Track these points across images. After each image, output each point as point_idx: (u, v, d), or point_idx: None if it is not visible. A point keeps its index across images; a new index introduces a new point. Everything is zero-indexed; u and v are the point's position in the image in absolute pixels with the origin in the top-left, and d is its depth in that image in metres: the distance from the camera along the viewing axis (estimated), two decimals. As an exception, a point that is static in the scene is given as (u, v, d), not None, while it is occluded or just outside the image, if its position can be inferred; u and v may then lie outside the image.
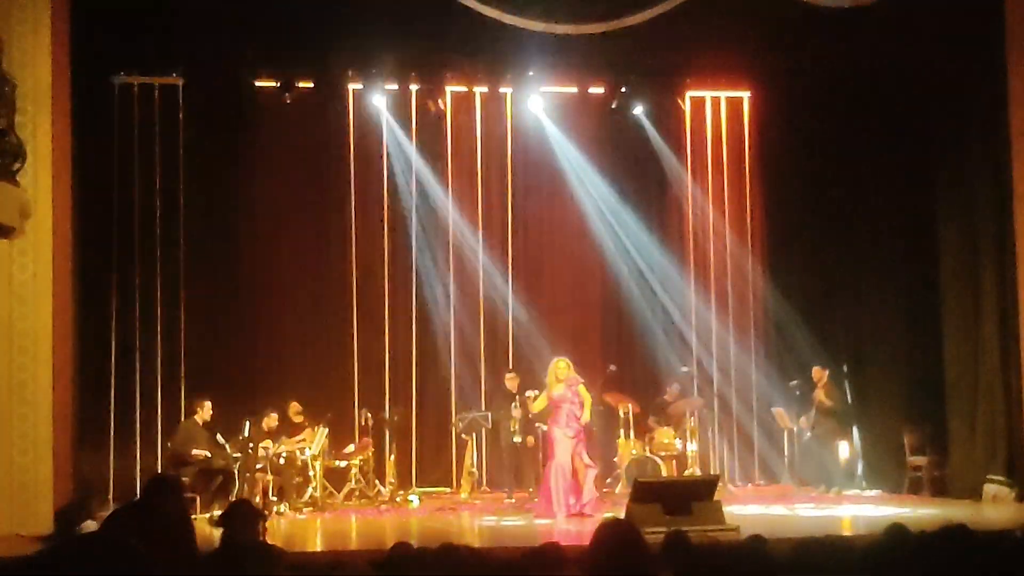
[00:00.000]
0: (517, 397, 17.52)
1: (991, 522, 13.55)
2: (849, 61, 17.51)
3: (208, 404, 16.80)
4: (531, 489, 17.12)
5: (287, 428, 17.24)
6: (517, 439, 17.43)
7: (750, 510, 15.68)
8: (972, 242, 17.14)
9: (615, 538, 4.96)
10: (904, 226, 18.56)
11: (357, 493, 17.25)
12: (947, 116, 17.51)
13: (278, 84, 18.39)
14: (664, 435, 17.88)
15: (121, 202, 17.93)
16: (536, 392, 16.66)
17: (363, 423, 17.97)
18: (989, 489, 16.25)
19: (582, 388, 15.59)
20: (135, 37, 16.66)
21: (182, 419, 17.26)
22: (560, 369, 15.56)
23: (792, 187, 19.44)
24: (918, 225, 18.17)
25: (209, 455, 16.45)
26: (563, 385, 15.45)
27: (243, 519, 6.18)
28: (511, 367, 18.54)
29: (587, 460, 15.42)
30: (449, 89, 19.40)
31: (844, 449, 18.12)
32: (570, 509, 15.02)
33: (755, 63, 18.87)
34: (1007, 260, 16.36)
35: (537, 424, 17.14)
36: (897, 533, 5.42)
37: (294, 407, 17.45)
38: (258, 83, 18.43)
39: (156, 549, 2.85)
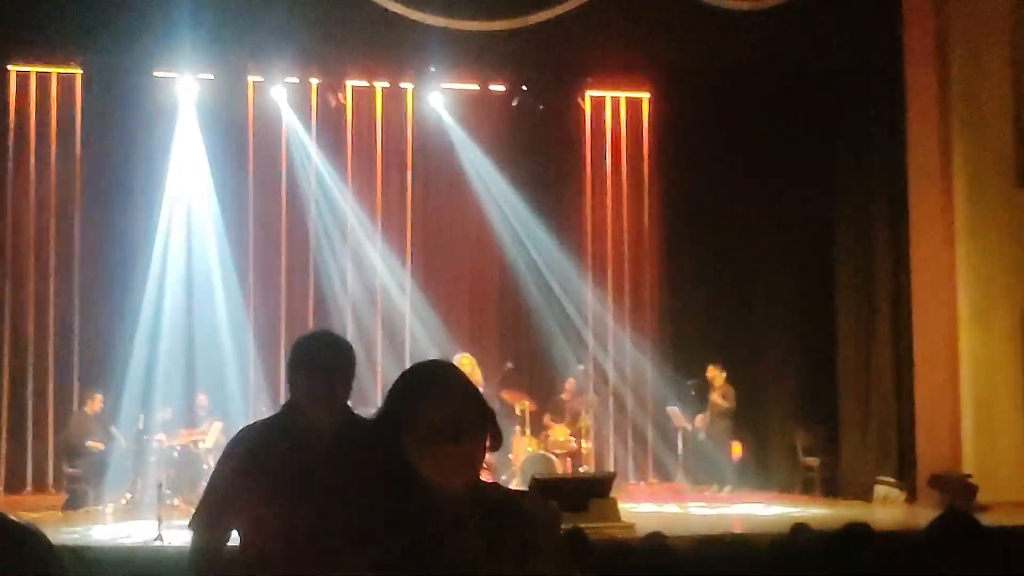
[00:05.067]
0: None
1: (882, 523, 13.74)
2: (750, 64, 17.65)
3: (99, 396, 16.66)
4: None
5: (186, 421, 17.11)
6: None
7: (644, 508, 15.80)
8: (867, 245, 17.39)
9: None
10: (800, 228, 18.76)
11: (251, 487, 17.11)
12: (847, 120, 17.74)
13: (177, 75, 18.22)
14: (560, 432, 17.91)
15: (16, 191, 17.71)
16: None
17: (259, 416, 17.84)
18: (879, 490, 16.49)
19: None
20: (32, 25, 16.44)
21: (74, 411, 17.10)
22: (464, 366, 15.55)
23: (690, 188, 19.57)
24: (814, 227, 18.38)
25: (103, 447, 16.29)
26: None
27: None
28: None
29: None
30: (350, 83, 19.33)
31: (737, 449, 18.29)
32: None
33: (656, 65, 18.98)
34: (901, 264, 16.64)
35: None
36: (801, 532, 5.50)
37: (200, 400, 17.33)
38: (157, 74, 18.25)
39: None
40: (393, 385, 3.21)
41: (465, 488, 3.11)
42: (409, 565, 3.07)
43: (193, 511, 4.77)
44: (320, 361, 4.60)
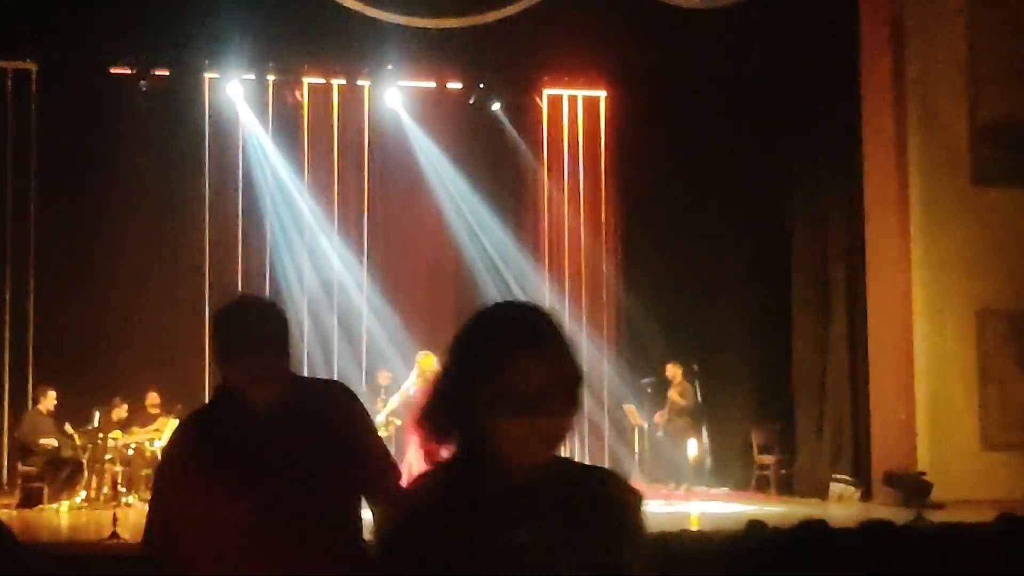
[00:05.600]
0: (383, 393, 17.50)
1: (837, 520, 13.80)
2: (705, 61, 17.71)
3: (52, 393, 16.56)
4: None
5: (140, 418, 17.04)
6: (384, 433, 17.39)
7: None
8: (823, 244, 17.48)
9: None
10: (757, 226, 18.84)
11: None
12: (802, 118, 17.80)
13: (134, 72, 18.13)
14: (516, 430, 17.87)
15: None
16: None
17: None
18: (835, 488, 16.56)
19: None
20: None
21: (28, 409, 17.02)
22: (426, 366, 15.53)
23: (647, 187, 19.59)
24: (771, 225, 18.46)
25: (57, 445, 16.21)
26: (424, 382, 15.45)
27: None
28: (379, 366, 18.46)
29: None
30: (306, 80, 19.27)
31: (693, 447, 18.32)
32: None
33: (612, 63, 19.03)
34: (857, 263, 16.73)
35: (390, 418, 17.05)
36: (756, 529, 5.52)
37: (151, 398, 17.25)
38: (113, 70, 18.15)
39: None
40: (466, 330, 2.80)
41: (543, 464, 2.75)
42: (477, 555, 2.66)
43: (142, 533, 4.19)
44: (250, 336, 4.04)
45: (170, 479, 4.14)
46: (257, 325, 4.07)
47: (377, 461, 4.24)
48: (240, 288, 18.87)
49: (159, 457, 4.63)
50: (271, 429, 4.02)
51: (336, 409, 4.21)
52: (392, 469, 4.28)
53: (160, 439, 16.64)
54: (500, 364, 2.66)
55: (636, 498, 2.96)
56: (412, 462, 15.27)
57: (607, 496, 2.86)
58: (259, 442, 4.01)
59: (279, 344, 4.08)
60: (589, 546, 2.73)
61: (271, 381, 4.03)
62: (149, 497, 4.42)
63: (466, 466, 2.81)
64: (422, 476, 2.88)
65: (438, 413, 2.78)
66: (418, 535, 2.74)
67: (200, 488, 3.94)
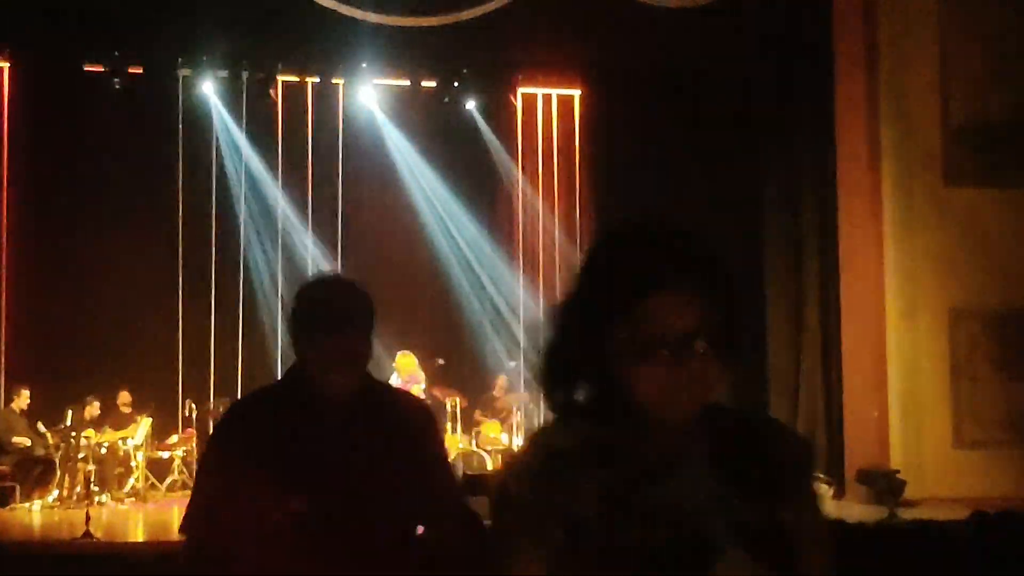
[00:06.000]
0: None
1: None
2: (680, 60, 17.74)
3: (26, 392, 16.55)
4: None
5: (112, 417, 17.01)
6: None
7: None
8: (795, 243, 17.51)
9: None
10: (729, 225, 18.83)
11: (180, 484, 17.05)
12: (775, 118, 17.80)
13: (107, 70, 18.07)
14: (491, 429, 17.93)
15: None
16: None
17: (187, 414, 17.80)
18: (807, 485, 16.57)
19: (416, 388, 15.62)
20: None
21: (1, 407, 16.96)
22: (406, 365, 15.54)
23: (621, 184, 19.58)
24: (743, 224, 18.46)
25: (29, 443, 16.17)
26: (405, 375, 15.47)
27: None
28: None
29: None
30: (281, 79, 19.23)
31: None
32: None
33: (587, 62, 19.04)
34: (829, 261, 16.76)
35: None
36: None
37: (123, 396, 17.22)
38: (87, 68, 18.09)
39: None
40: (593, 250, 2.45)
41: (691, 413, 2.37)
42: (616, 513, 2.29)
43: (184, 514, 3.81)
44: (336, 315, 3.74)
45: (222, 461, 3.80)
46: (340, 303, 3.81)
47: (443, 495, 3.94)
48: (213, 286, 18.86)
49: (212, 432, 4.00)
50: (341, 422, 3.74)
51: (412, 423, 3.93)
52: (455, 510, 3.95)
53: (134, 438, 16.63)
54: (635, 297, 2.30)
55: (806, 454, 2.59)
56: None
57: (767, 445, 2.48)
58: (326, 435, 3.73)
59: (362, 326, 3.79)
60: (744, 508, 2.35)
61: (350, 367, 3.75)
62: (195, 479, 4.09)
63: (599, 418, 2.40)
64: (544, 429, 2.48)
65: (560, 360, 2.40)
66: (540, 487, 2.34)
67: (254, 475, 3.61)
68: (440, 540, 3.81)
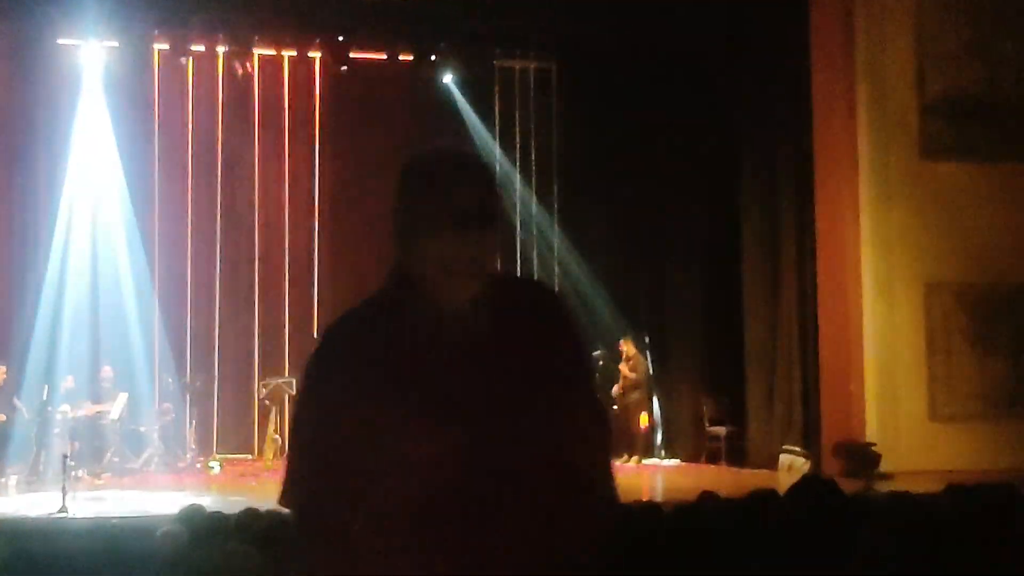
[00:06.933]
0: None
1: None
2: (656, 34, 17.73)
3: (2, 368, 16.48)
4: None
5: (90, 392, 16.97)
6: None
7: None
8: (773, 216, 17.51)
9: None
10: (707, 199, 18.87)
11: (157, 459, 17.03)
12: (754, 92, 17.78)
13: (82, 42, 17.98)
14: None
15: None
16: None
17: (165, 390, 17.80)
18: (784, 459, 16.64)
19: None
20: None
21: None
22: None
23: (597, 158, 19.58)
24: (720, 198, 18.48)
25: (5, 419, 16.13)
26: None
27: None
28: (315, 335, 18.50)
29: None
30: (257, 52, 19.15)
31: (644, 419, 18.40)
32: None
33: (563, 34, 18.98)
34: (806, 235, 16.78)
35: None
36: (708, 499, 5.55)
37: (105, 372, 17.19)
38: (61, 41, 17.99)
39: None
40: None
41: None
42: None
43: (283, 479, 3.00)
44: (453, 203, 2.93)
45: (324, 401, 2.98)
46: (463, 189, 2.97)
47: (584, 415, 3.06)
48: (189, 262, 18.83)
49: (306, 370, 3.00)
50: (469, 337, 2.96)
51: (547, 323, 3.08)
52: (601, 430, 3.13)
53: (112, 413, 16.60)
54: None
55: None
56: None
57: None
58: (451, 357, 2.94)
59: (490, 219, 2.96)
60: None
61: (479, 268, 2.95)
62: (289, 434, 3.21)
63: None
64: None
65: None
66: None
67: (369, 414, 2.87)
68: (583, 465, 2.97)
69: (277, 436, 17.98)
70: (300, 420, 3.05)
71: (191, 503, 7.74)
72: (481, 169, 3.05)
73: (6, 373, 16.53)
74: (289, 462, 3.02)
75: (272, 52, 19.23)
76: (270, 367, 18.78)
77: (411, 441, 2.80)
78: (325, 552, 2.91)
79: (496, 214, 2.98)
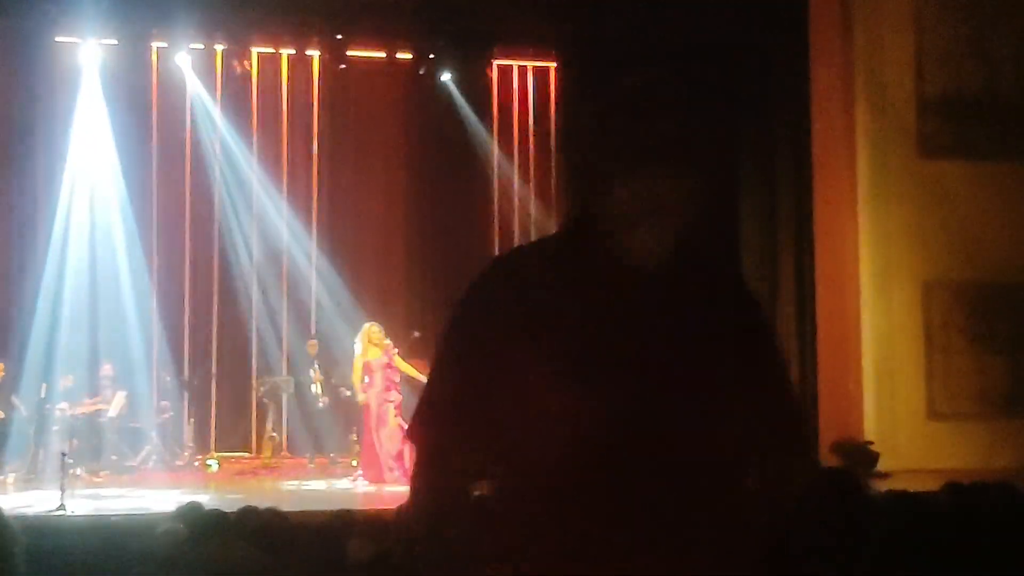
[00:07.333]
0: (315, 362, 17.59)
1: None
2: (655, 33, 17.71)
3: (0, 365, 16.47)
4: (332, 454, 17.16)
5: (89, 389, 16.95)
6: (320, 404, 17.41)
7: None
8: (771, 214, 17.52)
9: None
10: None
11: (155, 457, 17.02)
12: (751, 90, 17.76)
13: (81, 40, 17.97)
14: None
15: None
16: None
17: (163, 388, 17.79)
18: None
19: (399, 359, 15.65)
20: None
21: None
22: (374, 334, 15.54)
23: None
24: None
25: (3, 416, 16.12)
26: (380, 350, 15.46)
27: None
28: (313, 332, 18.51)
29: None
30: (255, 50, 19.16)
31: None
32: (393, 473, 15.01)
33: (562, 34, 18.97)
34: (804, 234, 16.82)
35: (341, 388, 17.04)
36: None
37: (105, 369, 17.18)
38: (59, 39, 17.97)
39: None
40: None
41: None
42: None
43: (413, 415, 2.81)
44: (650, 137, 2.67)
45: (476, 337, 2.73)
46: (661, 119, 2.76)
47: (779, 413, 2.87)
48: (187, 260, 18.82)
49: (463, 299, 2.78)
50: (650, 296, 2.67)
51: (738, 307, 2.90)
52: (793, 424, 2.96)
53: (110, 411, 16.58)
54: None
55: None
56: (392, 428, 15.29)
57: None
58: (629, 312, 2.65)
59: (688, 157, 2.72)
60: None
61: (668, 217, 2.64)
62: (433, 364, 2.88)
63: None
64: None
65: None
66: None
67: (522, 359, 2.61)
68: (772, 474, 2.80)
69: (275, 434, 18.00)
70: (447, 346, 2.81)
71: (189, 501, 7.74)
72: (689, 104, 2.88)
73: (4, 370, 16.51)
74: (426, 392, 2.79)
75: (270, 50, 19.22)
76: (267, 365, 18.77)
77: (570, 399, 2.55)
78: (441, 497, 2.73)
79: (707, 157, 2.77)
